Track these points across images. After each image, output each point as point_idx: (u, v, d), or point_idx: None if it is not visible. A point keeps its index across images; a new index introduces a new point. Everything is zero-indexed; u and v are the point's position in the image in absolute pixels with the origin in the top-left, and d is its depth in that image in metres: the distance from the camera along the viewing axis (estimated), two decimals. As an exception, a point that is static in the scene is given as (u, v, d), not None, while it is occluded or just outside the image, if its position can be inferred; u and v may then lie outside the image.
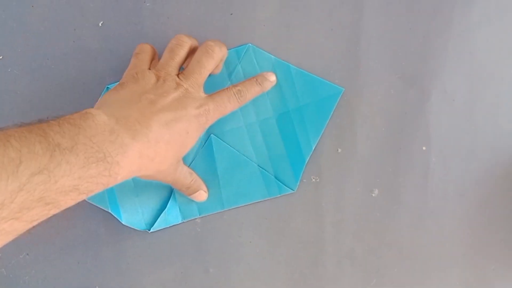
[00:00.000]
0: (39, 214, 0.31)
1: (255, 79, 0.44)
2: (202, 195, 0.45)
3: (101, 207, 0.45)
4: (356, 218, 0.47)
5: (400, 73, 0.46)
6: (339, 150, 0.47)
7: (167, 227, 0.46)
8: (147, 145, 0.36)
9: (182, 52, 0.41)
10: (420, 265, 0.47)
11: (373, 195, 0.47)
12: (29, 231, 0.44)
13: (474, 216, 0.47)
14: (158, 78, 0.40)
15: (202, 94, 0.41)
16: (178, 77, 0.41)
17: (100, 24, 0.45)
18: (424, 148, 0.47)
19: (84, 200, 0.45)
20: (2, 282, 0.45)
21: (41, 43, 0.45)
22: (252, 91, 0.44)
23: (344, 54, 0.46)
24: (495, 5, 0.46)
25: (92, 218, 0.45)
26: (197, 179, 0.45)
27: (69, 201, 0.32)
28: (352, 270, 0.47)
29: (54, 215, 0.45)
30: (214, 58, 0.42)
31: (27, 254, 0.45)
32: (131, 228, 0.46)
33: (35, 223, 0.32)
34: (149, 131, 0.36)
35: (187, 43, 0.42)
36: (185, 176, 0.43)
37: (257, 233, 0.46)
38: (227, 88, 0.43)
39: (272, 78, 0.45)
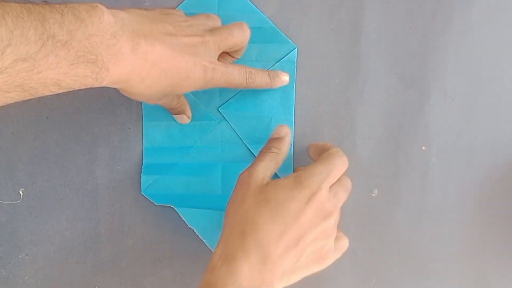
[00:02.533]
0: (14, 98, 0.31)
1: (268, 72, 0.44)
2: (183, 119, 0.45)
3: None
4: (356, 218, 0.47)
5: (400, 73, 0.46)
6: (339, 150, 0.47)
7: (166, 225, 0.46)
8: (142, 63, 0.35)
9: (213, 23, 0.42)
10: (420, 265, 0.47)
11: (373, 195, 0.47)
12: (29, 231, 0.44)
13: (474, 216, 0.47)
14: (186, 21, 0.40)
15: (217, 57, 0.40)
16: (204, 30, 0.40)
17: (100, 24, 0.45)
18: (423, 148, 0.47)
19: (84, 200, 0.45)
20: (1, 282, 0.45)
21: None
22: (261, 80, 0.43)
23: (344, 54, 0.46)
24: (495, 5, 0.46)
25: (93, 218, 0.45)
26: (183, 104, 0.44)
27: (47, 92, 0.32)
28: (352, 270, 0.47)
29: (54, 215, 0.45)
30: (244, 35, 0.41)
31: (27, 254, 0.45)
32: (130, 228, 0.46)
33: (8, 103, 0.31)
34: (152, 51, 0.35)
35: (218, 19, 0.42)
36: (171, 100, 0.42)
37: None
38: (241, 65, 0.42)
39: (285, 78, 0.45)
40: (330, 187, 0.39)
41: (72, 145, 0.45)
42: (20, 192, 0.45)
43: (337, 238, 0.41)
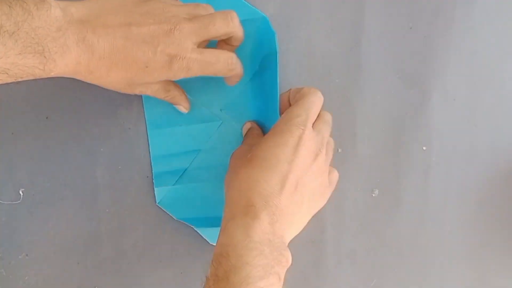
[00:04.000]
0: None
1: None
2: (180, 109, 0.44)
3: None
4: (356, 218, 0.47)
5: (400, 73, 0.46)
6: (339, 150, 0.47)
7: (164, 225, 0.46)
8: (88, 56, 0.35)
9: (203, 11, 0.40)
10: (420, 265, 0.47)
11: (373, 195, 0.47)
12: (29, 231, 0.44)
13: (475, 216, 0.47)
14: (163, 7, 0.38)
15: (193, 45, 0.38)
16: (184, 18, 0.38)
17: (100, 24, 0.45)
18: (424, 148, 0.47)
19: (84, 200, 0.45)
20: (1, 283, 0.45)
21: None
22: (241, 69, 0.42)
23: (344, 54, 0.46)
24: (495, 5, 0.46)
25: (93, 218, 0.45)
26: (175, 96, 0.43)
27: None
28: (352, 270, 0.47)
29: (54, 215, 0.45)
30: (228, 26, 0.39)
31: (27, 255, 0.45)
32: (130, 228, 0.45)
33: None
34: (98, 44, 0.35)
35: (211, 10, 0.41)
36: (157, 93, 0.41)
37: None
38: (220, 50, 0.40)
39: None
40: (312, 125, 0.40)
41: (72, 145, 0.45)
42: (20, 192, 0.45)
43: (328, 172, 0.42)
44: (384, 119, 0.47)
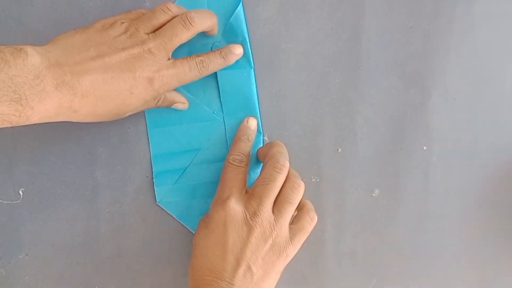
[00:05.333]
0: None
1: (219, 51, 0.43)
2: (179, 107, 0.44)
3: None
4: (356, 218, 0.47)
5: (401, 72, 0.46)
6: (339, 150, 0.46)
7: (165, 225, 0.46)
8: (71, 97, 0.35)
9: (163, 18, 0.40)
10: (420, 265, 0.47)
11: (374, 195, 0.47)
12: (29, 231, 0.44)
13: (475, 216, 0.47)
14: (126, 31, 0.38)
15: (165, 60, 0.39)
16: (148, 35, 0.39)
17: (100, 24, 0.45)
18: (424, 148, 0.47)
19: (84, 200, 0.45)
20: (1, 283, 0.45)
21: (41, 43, 0.45)
22: (215, 63, 0.42)
23: (344, 54, 0.46)
24: (496, 5, 0.46)
25: (92, 218, 0.45)
26: (166, 98, 0.43)
27: None
28: (353, 270, 0.47)
29: (54, 215, 0.45)
30: (189, 30, 0.40)
31: (27, 254, 0.45)
32: (130, 228, 0.46)
33: None
34: (79, 84, 0.35)
35: (171, 12, 0.40)
36: (146, 104, 0.41)
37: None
38: (190, 57, 0.41)
39: (238, 51, 0.44)
40: (249, 196, 0.41)
41: (72, 145, 0.45)
42: (20, 192, 0.45)
43: (297, 217, 0.42)
44: (384, 119, 0.47)
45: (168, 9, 0.40)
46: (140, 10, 0.42)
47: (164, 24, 0.40)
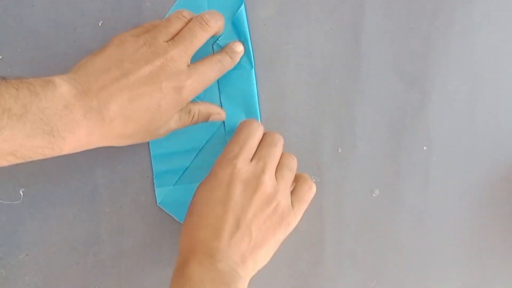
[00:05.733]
0: None
1: (225, 51, 0.43)
2: (216, 118, 0.44)
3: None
4: (356, 218, 0.47)
5: (400, 73, 0.46)
6: (339, 150, 0.47)
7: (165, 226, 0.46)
8: (100, 123, 0.35)
9: (179, 25, 0.40)
10: (420, 265, 0.47)
11: (374, 195, 0.47)
12: (29, 231, 0.44)
13: (475, 216, 0.47)
14: (145, 43, 0.38)
15: (186, 65, 0.39)
16: (167, 43, 0.38)
17: (100, 24, 0.45)
18: (424, 148, 0.47)
19: (84, 200, 0.45)
20: (1, 283, 0.45)
21: (41, 43, 0.45)
22: (228, 63, 0.43)
23: (344, 54, 0.46)
24: (495, 5, 0.46)
25: (92, 218, 0.45)
26: (201, 112, 0.42)
27: (4, 163, 0.33)
28: (353, 270, 0.47)
29: (54, 215, 0.45)
30: (207, 31, 0.40)
31: (27, 255, 0.45)
32: (130, 228, 0.45)
33: None
34: (106, 109, 0.35)
35: (186, 18, 0.40)
36: (181, 121, 0.41)
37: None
38: (208, 58, 0.41)
39: (239, 48, 0.44)
40: (254, 159, 0.40)
41: (72, 145, 0.45)
42: (20, 192, 0.45)
43: (296, 188, 0.42)
44: (384, 119, 0.47)
45: (183, 15, 0.40)
46: (153, 22, 0.41)
47: (179, 31, 0.40)
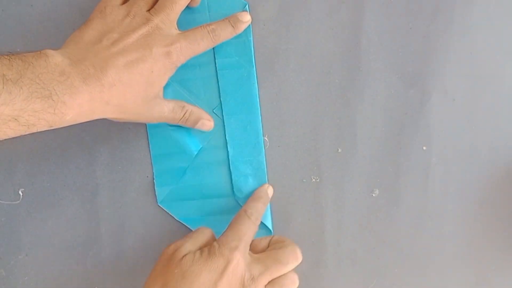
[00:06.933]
0: None
1: (228, 20, 0.43)
2: (205, 125, 0.44)
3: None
4: (356, 218, 0.47)
5: (400, 73, 0.46)
6: (339, 150, 0.47)
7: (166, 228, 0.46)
8: (99, 88, 0.36)
9: None
10: (420, 265, 0.47)
11: (374, 195, 0.47)
12: (29, 231, 0.44)
13: (475, 216, 0.47)
14: (128, 13, 0.39)
15: (174, 31, 0.40)
16: (149, 12, 0.40)
17: (100, 24, 0.45)
18: (424, 148, 0.47)
19: (84, 200, 0.45)
20: (1, 283, 0.45)
21: (41, 43, 0.45)
22: (226, 32, 0.43)
23: (344, 54, 0.46)
24: (495, 5, 0.46)
25: (92, 218, 0.45)
26: (193, 111, 0.43)
27: (8, 130, 0.33)
28: (353, 270, 0.47)
29: (54, 215, 0.45)
30: None
31: (27, 255, 0.45)
32: (130, 228, 0.45)
33: None
34: (104, 75, 0.36)
35: None
36: (174, 111, 0.42)
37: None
38: (201, 26, 0.42)
39: (246, 18, 0.44)
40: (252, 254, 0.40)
41: (72, 145, 0.45)
42: (20, 192, 0.45)
43: (278, 279, 0.40)
44: (384, 119, 0.47)
45: None
46: None
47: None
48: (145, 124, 0.45)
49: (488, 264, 0.48)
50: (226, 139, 0.46)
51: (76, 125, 0.44)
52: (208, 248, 0.38)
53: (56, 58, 0.35)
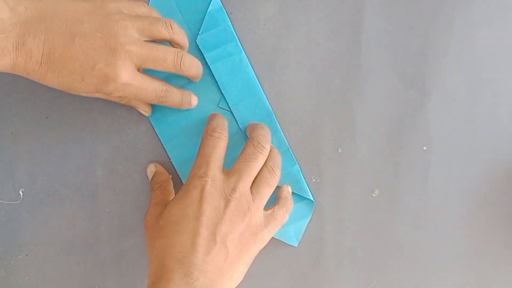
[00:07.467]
0: None
1: (182, 92, 0.43)
2: (141, 113, 0.44)
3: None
4: (356, 218, 0.47)
5: (400, 73, 0.46)
6: (339, 150, 0.47)
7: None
8: (25, 59, 0.35)
9: (164, 28, 0.40)
10: (420, 265, 0.47)
11: (374, 195, 0.47)
12: (29, 231, 0.44)
13: (475, 216, 0.47)
14: (117, 17, 0.37)
15: (133, 68, 0.38)
16: (132, 39, 0.37)
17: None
18: (424, 148, 0.47)
19: (84, 200, 0.45)
20: (1, 283, 0.45)
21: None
22: (172, 100, 0.42)
23: (344, 54, 0.46)
24: (495, 5, 0.46)
25: (93, 218, 0.45)
26: (129, 99, 0.42)
27: None
28: (353, 270, 0.47)
29: (54, 215, 0.45)
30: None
31: (27, 255, 0.45)
32: (130, 228, 0.45)
33: None
34: (37, 49, 0.35)
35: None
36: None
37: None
38: (161, 81, 0.41)
39: (193, 102, 0.44)
40: (230, 172, 0.40)
41: (72, 145, 0.45)
42: (20, 192, 0.45)
43: (274, 208, 0.42)
44: (384, 119, 0.47)
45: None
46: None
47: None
48: (145, 124, 0.45)
49: (488, 264, 0.48)
50: (239, 128, 0.45)
51: (76, 125, 0.45)
52: (182, 188, 0.39)
53: (3, 12, 0.33)
